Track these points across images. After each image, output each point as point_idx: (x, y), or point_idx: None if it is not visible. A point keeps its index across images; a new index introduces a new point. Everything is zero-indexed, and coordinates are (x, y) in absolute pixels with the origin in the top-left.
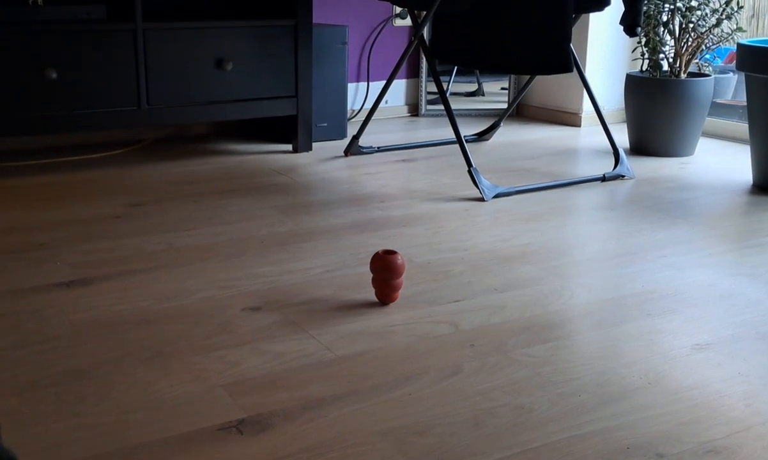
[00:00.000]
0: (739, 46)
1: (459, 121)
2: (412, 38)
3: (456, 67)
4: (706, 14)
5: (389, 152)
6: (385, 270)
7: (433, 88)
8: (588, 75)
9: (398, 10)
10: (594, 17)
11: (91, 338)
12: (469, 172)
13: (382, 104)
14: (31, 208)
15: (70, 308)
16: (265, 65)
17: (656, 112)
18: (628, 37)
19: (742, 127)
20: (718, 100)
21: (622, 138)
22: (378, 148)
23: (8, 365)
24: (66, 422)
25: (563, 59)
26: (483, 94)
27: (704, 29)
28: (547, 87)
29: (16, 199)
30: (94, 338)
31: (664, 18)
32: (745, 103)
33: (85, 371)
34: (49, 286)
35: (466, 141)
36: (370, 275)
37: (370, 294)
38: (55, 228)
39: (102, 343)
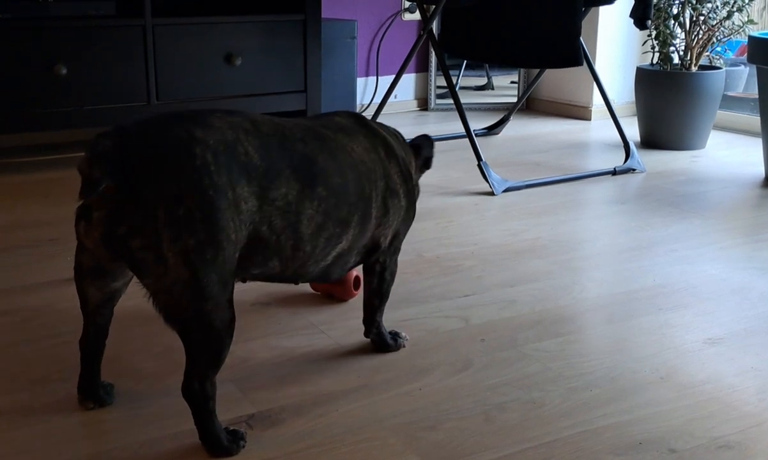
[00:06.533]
0: (751, 38)
1: (468, 115)
2: (421, 32)
3: (465, 61)
4: (717, 6)
5: None
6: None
7: (442, 82)
8: (598, 68)
9: (407, 4)
10: (604, 10)
11: None
12: (479, 166)
13: (391, 99)
14: (42, 203)
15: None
16: (273, 60)
17: (667, 106)
18: (638, 29)
19: (754, 120)
20: (730, 93)
21: (633, 131)
22: None
23: (20, 360)
24: (77, 417)
25: (573, 53)
26: (492, 88)
27: (715, 22)
28: (556, 81)
29: (26, 195)
30: None
31: (675, 10)
32: (757, 96)
33: None
34: (60, 281)
35: (476, 135)
36: None
37: None
38: (66, 223)
39: (112, 338)
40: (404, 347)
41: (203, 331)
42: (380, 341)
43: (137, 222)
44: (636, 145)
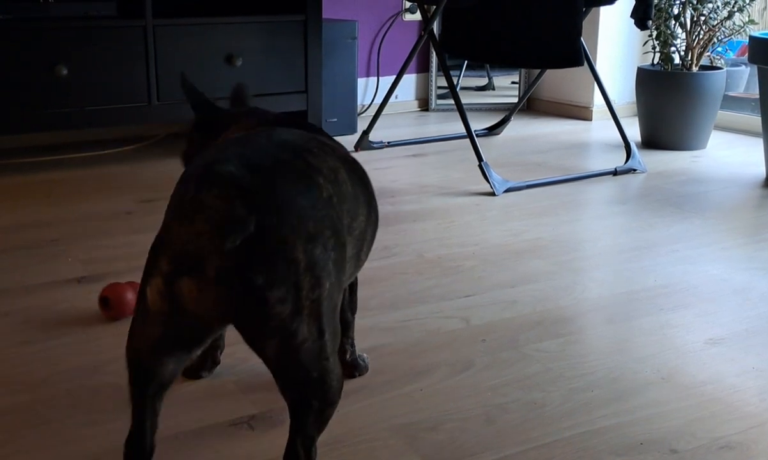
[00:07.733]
0: (751, 38)
1: (469, 115)
2: (422, 33)
3: (466, 62)
4: (718, 7)
5: (399, 147)
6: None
7: (443, 82)
8: (599, 68)
9: (408, 4)
10: (604, 10)
11: (102, 334)
12: (480, 166)
13: (392, 99)
14: (43, 204)
15: (82, 303)
16: (274, 61)
17: (668, 106)
18: (639, 30)
19: (755, 120)
20: (731, 93)
21: (634, 132)
22: (388, 143)
23: (21, 362)
24: (77, 418)
25: (574, 53)
26: (493, 89)
27: (716, 22)
28: (557, 81)
29: (27, 196)
30: (106, 335)
31: (675, 11)
32: (758, 96)
33: (97, 367)
34: (61, 282)
35: (477, 135)
36: (381, 271)
37: (382, 289)
38: (67, 224)
39: (114, 339)
40: (368, 369)
41: (323, 392)
42: (354, 361)
43: (280, 270)
44: (637, 145)
